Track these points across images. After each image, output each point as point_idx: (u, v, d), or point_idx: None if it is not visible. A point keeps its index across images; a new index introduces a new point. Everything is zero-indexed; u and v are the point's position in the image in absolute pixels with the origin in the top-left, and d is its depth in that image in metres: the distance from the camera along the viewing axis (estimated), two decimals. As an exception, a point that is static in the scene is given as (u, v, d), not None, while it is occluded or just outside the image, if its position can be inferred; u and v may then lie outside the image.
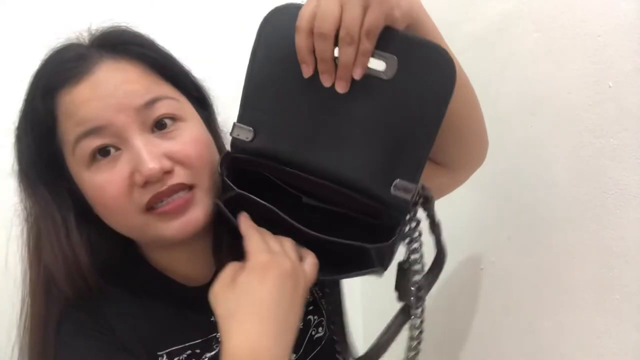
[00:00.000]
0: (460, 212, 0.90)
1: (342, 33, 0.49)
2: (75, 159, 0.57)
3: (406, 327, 0.63)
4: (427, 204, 0.56)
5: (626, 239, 0.63)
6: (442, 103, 0.50)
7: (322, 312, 0.73)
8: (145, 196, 0.56)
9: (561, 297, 0.72)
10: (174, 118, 0.59)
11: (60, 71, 0.57)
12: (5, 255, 0.66)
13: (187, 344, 0.62)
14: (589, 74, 0.67)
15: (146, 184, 0.55)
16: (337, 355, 0.74)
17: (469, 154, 0.69)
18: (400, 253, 0.59)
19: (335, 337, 0.73)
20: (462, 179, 0.73)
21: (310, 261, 0.56)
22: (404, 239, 0.55)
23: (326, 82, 0.52)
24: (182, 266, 0.65)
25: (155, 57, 0.60)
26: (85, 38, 0.61)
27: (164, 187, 0.56)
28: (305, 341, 0.69)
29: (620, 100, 0.63)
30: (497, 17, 0.83)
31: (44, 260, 0.59)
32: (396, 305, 0.62)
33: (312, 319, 0.71)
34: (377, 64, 0.51)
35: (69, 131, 0.56)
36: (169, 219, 0.57)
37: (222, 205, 0.58)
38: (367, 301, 1.04)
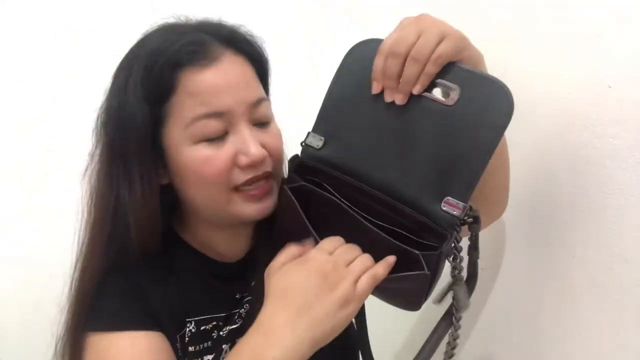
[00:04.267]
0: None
1: (411, 53, 0.56)
2: (186, 133, 0.62)
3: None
4: (475, 225, 0.59)
5: (626, 239, 0.63)
6: (498, 131, 0.54)
7: None
8: (242, 177, 0.64)
9: (561, 297, 0.72)
10: (268, 116, 0.68)
11: (188, 51, 0.62)
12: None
13: (213, 315, 0.69)
14: (589, 74, 0.67)
15: (248, 166, 0.63)
16: (348, 351, 0.79)
17: (486, 207, 0.72)
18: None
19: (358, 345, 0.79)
20: None
21: (364, 278, 0.58)
22: (448, 256, 0.59)
23: (387, 97, 0.59)
24: (221, 244, 0.72)
25: (261, 60, 0.69)
26: (192, 24, 0.68)
27: (260, 172, 0.64)
28: None
29: (621, 101, 0.63)
30: (497, 17, 0.83)
31: (128, 213, 0.63)
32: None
33: None
34: (441, 93, 0.57)
35: (188, 108, 0.62)
36: (251, 201, 0.65)
37: (289, 191, 0.64)
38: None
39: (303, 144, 0.67)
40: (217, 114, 0.62)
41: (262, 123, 0.66)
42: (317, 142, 0.65)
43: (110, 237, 0.65)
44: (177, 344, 0.65)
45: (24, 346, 1.06)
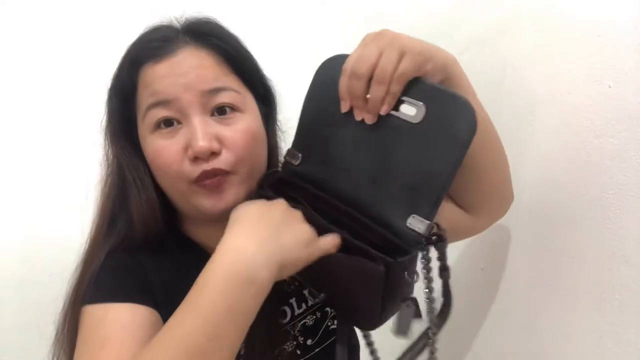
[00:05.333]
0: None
1: (375, 73, 0.56)
2: (144, 124, 0.66)
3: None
4: (440, 244, 0.58)
5: (626, 239, 0.63)
6: (461, 148, 0.54)
7: None
8: (194, 170, 0.64)
9: (561, 297, 0.72)
10: (233, 108, 0.66)
11: (148, 48, 0.65)
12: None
13: None
14: (589, 74, 0.67)
15: (195, 158, 0.63)
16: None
17: (488, 203, 0.73)
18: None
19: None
20: (483, 225, 0.77)
21: (330, 237, 0.59)
22: (410, 274, 0.57)
23: (357, 116, 0.60)
24: (213, 242, 0.71)
25: (232, 51, 0.68)
26: (178, 22, 0.69)
27: (209, 168, 0.63)
28: (322, 330, 0.75)
29: (620, 100, 0.63)
30: (497, 17, 0.83)
31: (128, 202, 0.67)
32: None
33: (330, 311, 0.76)
34: (408, 110, 0.57)
35: (143, 100, 0.65)
36: (208, 194, 0.65)
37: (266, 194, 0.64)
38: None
39: (282, 159, 0.67)
40: (163, 102, 0.63)
41: (222, 111, 0.65)
42: (296, 158, 0.66)
43: (112, 220, 0.68)
44: None
45: (23, 346, 1.06)
